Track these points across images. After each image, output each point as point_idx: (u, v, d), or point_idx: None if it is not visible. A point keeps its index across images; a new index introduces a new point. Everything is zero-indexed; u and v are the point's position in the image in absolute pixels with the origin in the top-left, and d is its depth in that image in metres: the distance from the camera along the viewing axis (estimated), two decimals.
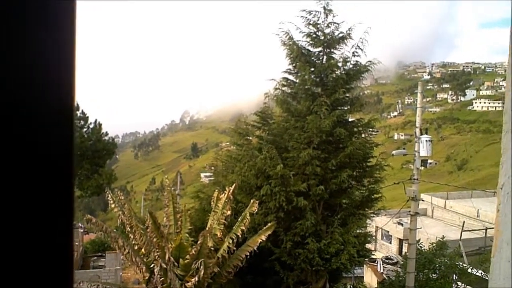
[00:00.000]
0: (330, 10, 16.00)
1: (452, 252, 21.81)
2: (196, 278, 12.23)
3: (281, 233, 15.38)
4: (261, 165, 15.31)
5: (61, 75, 0.77)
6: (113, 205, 14.90)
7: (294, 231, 15.33)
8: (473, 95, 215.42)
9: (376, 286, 29.01)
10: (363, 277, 33.48)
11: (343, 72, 16.09)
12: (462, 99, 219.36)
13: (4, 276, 0.74)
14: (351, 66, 16.31)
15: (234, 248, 13.60)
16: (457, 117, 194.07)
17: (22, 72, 0.74)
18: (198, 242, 12.90)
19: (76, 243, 33.52)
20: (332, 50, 16.28)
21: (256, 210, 14.08)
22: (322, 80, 16.17)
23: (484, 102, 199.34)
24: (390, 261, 34.58)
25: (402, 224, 36.91)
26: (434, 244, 21.69)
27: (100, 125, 41.65)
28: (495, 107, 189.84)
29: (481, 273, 21.05)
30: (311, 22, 16.09)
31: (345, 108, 16.78)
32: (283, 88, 16.75)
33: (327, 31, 16.08)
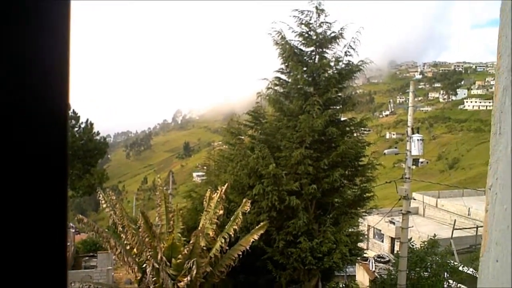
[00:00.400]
0: (322, 10, 16.04)
1: (444, 250, 21.95)
2: (189, 278, 12.21)
3: (274, 232, 15.39)
4: (254, 165, 15.32)
5: (54, 75, 0.77)
6: (104, 205, 14.86)
7: (286, 230, 15.36)
8: (465, 94, 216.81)
9: (368, 285, 29.12)
10: (355, 275, 33.58)
11: (336, 71, 16.13)
12: (454, 98, 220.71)
13: None
14: (343, 65, 16.36)
15: (227, 248, 13.59)
16: (449, 116, 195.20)
17: (15, 72, 0.74)
18: (191, 242, 12.89)
19: (68, 243, 33.27)
20: (324, 49, 16.31)
21: (249, 210, 14.08)
22: (314, 79, 16.21)
23: (475, 101, 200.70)
24: (382, 260, 34.72)
25: (394, 223, 37.09)
26: (425, 243, 21.81)
27: (91, 124, 41.50)
28: (486, 106, 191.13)
29: (472, 271, 21.19)
30: (303, 22, 16.11)
31: (337, 107, 16.83)
32: (276, 88, 16.77)
33: (319, 30, 16.12)
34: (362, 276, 32.71)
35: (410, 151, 18.66)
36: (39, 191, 0.76)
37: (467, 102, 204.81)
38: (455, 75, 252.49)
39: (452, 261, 21.99)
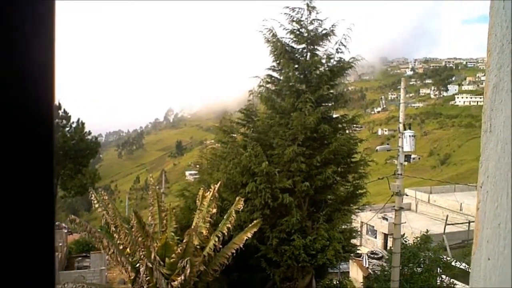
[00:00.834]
0: (313, 7, 16.04)
1: (436, 245, 22.07)
2: (182, 277, 12.20)
3: (267, 230, 15.41)
4: (246, 163, 15.31)
5: (40, 74, 0.76)
6: (97, 205, 14.79)
7: (280, 228, 15.37)
8: (455, 90, 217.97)
9: (361, 281, 29.23)
10: (349, 272, 33.71)
11: (327, 68, 16.15)
12: (445, 94, 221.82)
13: None
14: (334, 62, 16.38)
15: (220, 246, 13.59)
16: (440, 112, 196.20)
17: (1, 72, 0.73)
18: (184, 241, 12.87)
19: (60, 244, 33.21)
20: (315, 47, 16.32)
21: (242, 208, 14.08)
22: (306, 76, 16.21)
23: (466, 97, 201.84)
24: (375, 256, 34.89)
25: (386, 219, 37.29)
26: (418, 238, 21.92)
27: (83, 124, 41.30)
28: (477, 101, 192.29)
29: (465, 266, 21.35)
30: (295, 19, 16.11)
31: (329, 104, 16.85)
32: (267, 85, 16.77)
33: (310, 28, 16.12)
34: (355, 273, 32.84)
35: (402, 147, 18.72)
36: (26, 191, 0.75)
37: (458, 98, 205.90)
38: (446, 71, 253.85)
39: (444, 256, 22.12)
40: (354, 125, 17.82)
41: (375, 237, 41.04)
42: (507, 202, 1.09)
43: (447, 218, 33.74)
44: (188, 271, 12.22)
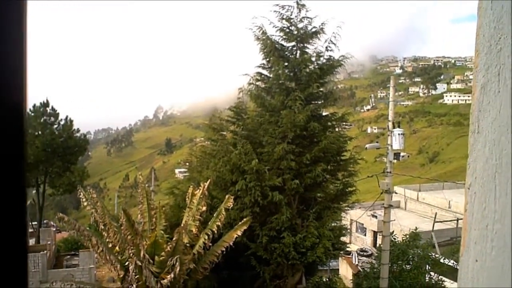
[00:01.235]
0: (303, 5, 16.04)
1: (425, 243, 22.23)
2: (172, 275, 12.16)
3: (257, 228, 15.41)
4: (236, 160, 15.29)
5: (11, 75, 0.74)
6: (85, 203, 14.68)
7: (269, 226, 15.38)
8: (444, 88, 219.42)
9: (351, 278, 29.36)
10: (338, 269, 33.84)
11: (317, 66, 16.17)
12: (433, 92, 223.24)
13: None
14: (324, 60, 16.40)
15: (210, 244, 13.57)
16: (429, 111, 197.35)
17: None
18: (174, 239, 12.84)
19: (49, 242, 32.96)
20: (305, 44, 16.33)
21: (232, 206, 14.08)
22: (296, 74, 16.22)
23: (455, 96, 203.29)
24: (364, 253, 35.04)
25: (376, 217, 37.46)
26: (407, 236, 22.05)
27: (71, 121, 41.02)
28: (465, 100, 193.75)
29: (453, 263, 21.53)
30: (284, 17, 16.11)
31: (319, 102, 16.87)
32: (257, 83, 16.75)
33: (300, 25, 16.12)
34: (345, 270, 32.97)
35: (391, 145, 18.83)
36: None
37: (446, 96, 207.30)
38: (434, 69, 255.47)
39: (433, 254, 22.30)
40: (344, 123, 17.87)
41: (365, 235, 41.24)
42: (495, 204, 1.09)
43: (435, 215, 34.00)
44: (178, 269, 12.19)
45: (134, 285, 12.74)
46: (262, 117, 16.44)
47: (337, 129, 17.32)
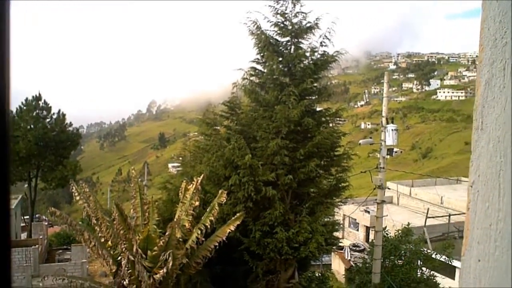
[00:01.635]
0: (298, 0, 15.96)
1: (417, 238, 22.33)
2: (165, 270, 12.13)
3: (250, 223, 15.39)
4: (230, 155, 15.25)
5: None
6: (78, 197, 14.60)
7: (262, 221, 15.37)
8: (437, 84, 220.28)
9: (343, 273, 29.49)
10: (331, 264, 34.01)
11: (311, 62, 16.11)
12: (427, 88, 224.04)
13: None
14: (318, 56, 16.34)
15: (203, 239, 13.54)
16: (422, 106, 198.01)
17: None
18: (166, 234, 12.80)
19: (41, 236, 32.86)
20: (300, 40, 16.26)
21: (225, 201, 14.04)
22: (290, 70, 16.17)
23: (448, 92, 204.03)
24: (357, 248, 35.23)
25: (368, 212, 37.62)
26: (399, 231, 22.14)
27: (63, 115, 40.80)
28: (458, 96, 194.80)
29: (445, 259, 21.66)
30: (279, 12, 16.02)
31: (313, 98, 16.83)
32: (251, 78, 16.67)
33: (294, 20, 16.05)
34: (337, 265, 33.15)
35: (385, 141, 18.87)
36: None
37: (440, 92, 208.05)
38: (428, 65, 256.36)
39: (425, 249, 22.40)
40: (338, 119, 17.84)
41: (357, 230, 41.39)
42: (499, 202, 1.05)
43: (428, 211, 34.13)
44: (171, 264, 12.16)
45: (127, 280, 12.69)
46: (256, 112, 16.39)
47: (331, 125, 17.28)
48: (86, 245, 14.75)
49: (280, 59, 16.11)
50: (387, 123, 19.00)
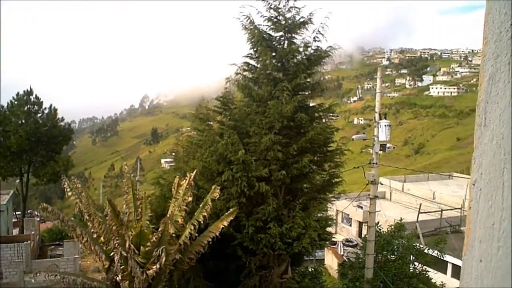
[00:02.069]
0: None
1: (410, 233, 22.46)
2: (158, 265, 12.09)
3: (243, 218, 15.36)
4: (223, 151, 15.19)
5: None
6: (70, 193, 14.49)
7: (256, 216, 15.34)
8: (430, 80, 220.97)
9: (336, 268, 29.58)
10: (324, 259, 34.10)
11: (304, 57, 16.06)
12: (419, 84, 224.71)
13: None
14: (312, 51, 16.28)
15: (196, 235, 13.50)
16: (415, 102, 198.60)
17: None
18: (159, 229, 12.75)
19: (33, 232, 32.69)
20: (293, 35, 16.19)
21: (218, 196, 13.99)
22: (283, 65, 16.11)
23: (440, 88, 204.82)
24: (350, 244, 35.36)
25: (361, 207, 37.75)
26: (392, 226, 22.24)
27: (55, 110, 40.51)
28: (451, 92, 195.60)
29: (437, 254, 21.79)
30: (272, 6, 15.94)
31: (306, 93, 16.79)
32: (244, 73, 16.59)
33: (288, 15, 15.97)
34: (330, 260, 33.24)
35: (378, 137, 18.90)
36: None
37: (432, 88, 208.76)
38: (421, 61, 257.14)
39: (417, 244, 22.53)
40: (331, 114, 17.82)
41: (350, 225, 41.55)
42: (502, 201, 1.02)
43: (420, 206, 34.33)
44: (164, 259, 12.12)
45: (120, 276, 12.64)
46: (249, 108, 16.32)
47: (324, 120, 17.26)
48: (78, 241, 14.65)
49: (274, 54, 16.04)
50: (380, 118, 19.03)
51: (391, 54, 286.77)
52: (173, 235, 13.32)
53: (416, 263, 21.46)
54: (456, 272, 27.30)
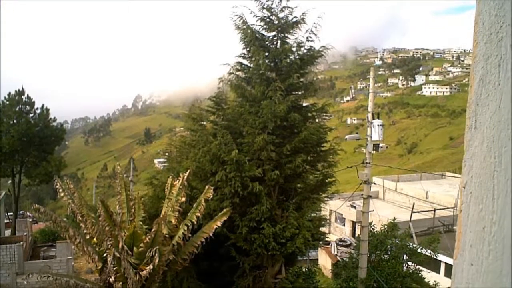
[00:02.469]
0: None
1: (403, 233, 22.52)
2: (151, 266, 12.04)
3: (237, 218, 15.34)
4: (216, 151, 15.17)
5: None
6: (62, 194, 14.39)
7: (249, 217, 15.33)
8: (422, 80, 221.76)
9: (330, 268, 29.62)
10: (318, 259, 34.13)
11: (297, 57, 16.06)
12: (412, 84, 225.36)
13: None
14: (305, 51, 16.30)
15: (189, 235, 13.45)
16: (407, 102, 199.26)
17: None
18: (152, 230, 12.69)
19: (25, 233, 32.50)
20: (286, 34, 16.20)
21: (211, 196, 13.95)
22: (276, 65, 16.10)
23: (433, 87, 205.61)
24: (343, 243, 35.41)
25: (355, 207, 37.80)
26: (385, 226, 22.30)
27: (47, 110, 40.28)
28: (443, 92, 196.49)
29: (430, 253, 21.87)
30: (265, 6, 15.93)
31: (299, 93, 16.80)
32: (237, 73, 16.58)
33: (281, 15, 15.97)
34: (324, 260, 33.27)
35: (371, 136, 18.94)
36: None
37: (425, 88, 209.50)
38: (413, 61, 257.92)
39: (411, 244, 22.60)
40: (324, 114, 17.84)
41: (344, 225, 41.60)
42: (493, 204, 1.01)
43: (413, 206, 34.45)
44: (157, 260, 12.07)
45: (113, 277, 12.57)
46: (242, 107, 16.30)
47: (317, 120, 17.28)
48: (71, 242, 14.56)
49: (267, 54, 16.03)
50: (373, 118, 19.08)
51: (384, 54, 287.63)
52: (167, 235, 13.28)
53: (410, 263, 21.54)
54: (449, 271, 27.44)
